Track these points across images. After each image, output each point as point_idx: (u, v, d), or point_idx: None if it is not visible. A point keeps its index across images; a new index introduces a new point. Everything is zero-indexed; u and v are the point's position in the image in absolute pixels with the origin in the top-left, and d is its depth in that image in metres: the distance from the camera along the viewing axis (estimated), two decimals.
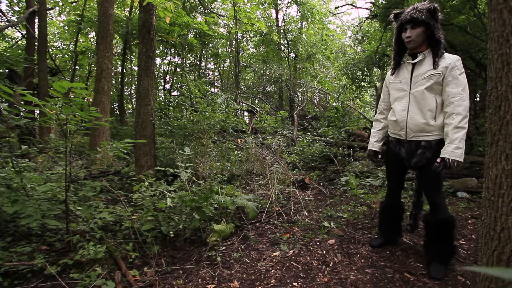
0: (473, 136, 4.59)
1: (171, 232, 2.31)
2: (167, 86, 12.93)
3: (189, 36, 10.57)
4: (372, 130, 2.22)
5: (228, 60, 14.72)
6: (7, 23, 8.48)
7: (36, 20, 6.90)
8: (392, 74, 2.00)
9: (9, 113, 2.25)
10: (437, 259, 1.88)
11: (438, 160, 1.71)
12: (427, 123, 1.79)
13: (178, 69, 12.03)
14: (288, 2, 12.93)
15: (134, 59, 12.26)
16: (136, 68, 12.16)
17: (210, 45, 12.48)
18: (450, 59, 1.74)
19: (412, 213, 2.22)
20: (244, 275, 1.96)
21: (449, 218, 1.84)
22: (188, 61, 12.51)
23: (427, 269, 1.90)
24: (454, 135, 1.66)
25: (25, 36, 7.37)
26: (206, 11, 10.35)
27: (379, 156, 2.18)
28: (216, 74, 16.33)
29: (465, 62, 1.86)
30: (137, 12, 6.10)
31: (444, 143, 1.74)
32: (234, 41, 13.43)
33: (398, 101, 1.93)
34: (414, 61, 1.85)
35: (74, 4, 9.95)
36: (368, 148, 2.19)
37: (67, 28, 11.02)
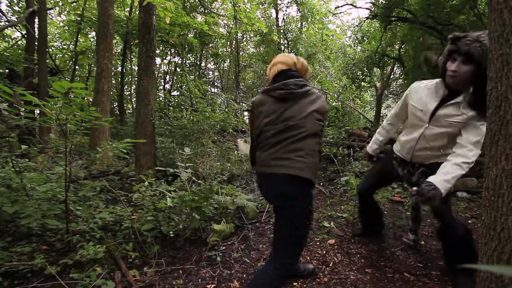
0: None
1: (171, 232, 2.31)
2: (167, 86, 12.91)
3: (189, 36, 10.56)
4: (375, 136, 2.15)
5: (228, 60, 14.71)
6: (7, 23, 8.48)
7: (36, 20, 6.88)
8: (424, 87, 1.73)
9: (9, 113, 2.25)
10: (463, 272, 1.77)
11: (415, 189, 1.53)
12: (434, 154, 1.75)
13: (178, 69, 12.01)
14: (288, 2, 12.91)
15: (134, 59, 12.24)
16: (136, 68, 12.16)
17: (210, 45, 12.46)
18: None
19: (412, 229, 2.26)
20: (244, 275, 1.96)
21: (466, 234, 1.76)
22: (188, 61, 12.49)
23: (454, 284, 1.81)
24: (454, 171, 1.52)
25: (25, 36, 7.36)
26: (206, 11, 10.34)
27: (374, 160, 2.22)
28: (216, 74, 16.32)
29: None
30: (137, 12, 6.09)
31: None
32: (234, 41, 13.42)
33: (411, 128, 1.83)
34: (448, 102, 1.59)
35: (74, 4, 9.94)
36: (367, 150, 2.21)
37: (67, 28, 11.00)
